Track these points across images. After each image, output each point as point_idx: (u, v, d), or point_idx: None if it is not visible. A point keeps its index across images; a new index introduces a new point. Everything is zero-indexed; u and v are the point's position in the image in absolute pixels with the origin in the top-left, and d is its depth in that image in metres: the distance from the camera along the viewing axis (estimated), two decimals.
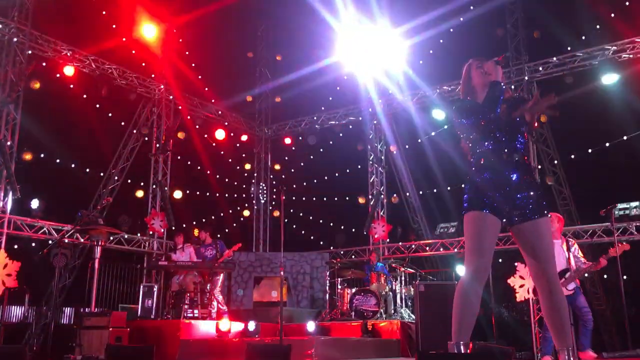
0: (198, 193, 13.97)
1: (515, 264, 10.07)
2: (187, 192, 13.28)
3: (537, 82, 11.80)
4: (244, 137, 14.91)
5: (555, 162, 11.78)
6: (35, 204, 10.37)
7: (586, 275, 6.91)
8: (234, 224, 14.49)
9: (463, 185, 3.40)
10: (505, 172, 3.23)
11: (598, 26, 11.16)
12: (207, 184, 13.90)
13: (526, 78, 11.68)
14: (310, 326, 9.00)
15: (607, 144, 11.36)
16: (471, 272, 3.16)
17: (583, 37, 11.55)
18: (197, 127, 13.27)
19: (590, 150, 11.55)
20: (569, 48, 11.54)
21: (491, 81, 3.34)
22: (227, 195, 14.49)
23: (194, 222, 12.57)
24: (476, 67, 3.45)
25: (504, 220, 3.25)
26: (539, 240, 3.20)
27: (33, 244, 10.52)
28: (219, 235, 10.45)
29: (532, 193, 3.24)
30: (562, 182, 11.79)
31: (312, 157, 15.11)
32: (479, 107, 3.32)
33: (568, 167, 11.78)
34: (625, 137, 11.06)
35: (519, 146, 3.30)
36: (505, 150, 3.25)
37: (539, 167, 11.52)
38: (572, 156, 11.78)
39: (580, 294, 6.61)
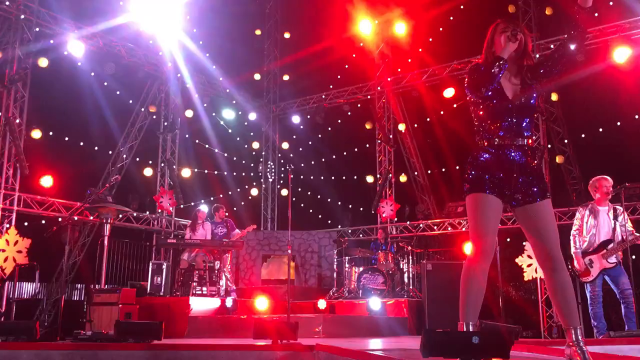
0: (206, 171, 14.00)
1: (524, 243, 10.07)
2: (195, 170, 13.31)
3: None
4: (252, 116, 14.86)
5: (566, 141, 11.67)
6: None
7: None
8: (242, 203, 14.53)
9: (458, 167, 3.35)
10: (508, 153, 3.20)
11: (611, 2, 10.96)
12: (215, 162, 13.91)
13: (537, 55, 11.52)
14: (321, 304, 9.06)
15: (618, 123, 11.24)
16: (476, 252, 3.15)
17: (596, 14, 11.35)
18: (205, 105, 13.22)
19: (601, 130, 11.44)
20: None
21: (495, 56, 3.20)
22: (235, 173, 14.51)
23: (202, 201, 12.61)
24: (501, 30, 3.29)
25: (506, 201, 3.22)
26: (543, 222, 3.17)
27: (43, 221, 10.60)
28: (227, 214, 10.48)
29: (535, 175, 3.20)
30: (572, 162, 11.70)
31: (320, 135, 15.07)
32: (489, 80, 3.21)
33: (578, 146, 11.67)
34: (637, 116, 10.94)
35: (526, 128, 3.24)
36: (510, 132, 3.20)
37: (549, 146, 11.42)
38: (583, 135, 11.68)
39: (623, 273, 6.14)
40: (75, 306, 10.55)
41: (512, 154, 3.20)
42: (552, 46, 11.56)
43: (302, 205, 14.58)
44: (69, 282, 10.96)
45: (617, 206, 6.35)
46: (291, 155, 15.35)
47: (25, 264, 8.94)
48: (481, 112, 3.29)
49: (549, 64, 3.25)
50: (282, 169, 15.51)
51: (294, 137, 15.45)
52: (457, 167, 12.12)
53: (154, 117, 12.74)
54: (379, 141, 13.40)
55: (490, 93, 3.23)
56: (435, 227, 12.46)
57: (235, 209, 13.86)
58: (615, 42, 10.44)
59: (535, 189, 3.19)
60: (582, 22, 3.12)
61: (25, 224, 10.21)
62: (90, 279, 9.16)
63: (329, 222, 14.57)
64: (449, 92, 12.05)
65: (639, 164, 10.11)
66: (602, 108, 10.84)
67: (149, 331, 5.12)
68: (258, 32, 15.52)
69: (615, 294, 6.30)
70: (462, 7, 12.28)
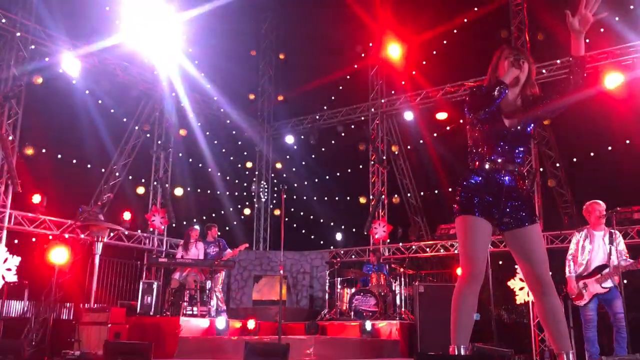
0: (199, 190, 13.97)
1: (516, 266, 10.06)
2: (188, 189, 13.28)
3: (541, 84, 11.77)
4: (246, 135, 14.90)
5: (557, 164, 11.74)
6: None
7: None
8: (235, 222, 14.49)
9: (450, 189, 3.36)
10: (498, 177, 3.21)
11: (602, 29, 11.12)
12: (208, 181, 13.90)
13: None
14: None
15: (610, 148, 11.34)
16: (466, 274, 3.15)
17: (587, 40, 11.50)
18: (199, 124, 13.25)
19: (592, 154, 11.52)
20: None
21: (498, 80, 3.22)
22: (228, 193, 14.49)
23: (194, 220, 12.57)
24: (506, 56, 3.31)
25: (495, 224, 3.23)
26: (532, 246, 3.19)
27: (33, 239, 10.52)
28: (219, 233, 10.44)
29: (523, 200, 3.22)
30: (564, 185, 11.77)
31: (313, 156, 15.10)
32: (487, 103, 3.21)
33: (570, 170, 11.75)
34: (628, 141, 11.03)
35: (519, 155, 3.25)
36: (502, 158, 3.22)
37: (541, 169, 11.49)
38: (575, 159, 11.76)
39: (617, 297, 6.07)
40: (64, 325, 10.42)
41: (502, 178, 3.21)
42: (544, 71, 11.69)
43: (294, 225, 14.56)
44: (58, 301, 10.84)
45: (612, 230, 6.35)
46: (284, 175, 15.38)
47: (15, 282, 8.86)
48: (477, 134, 3.30)
49: (550, 98, 3.28)
50: (276, 188, 15.50)
51: (288, 157, 15.49)
52: (450, 190, 12.17)
53: (148, 135, 12.73)
54: (373, 162, 13.44)
55: (487, 116, 3.24)
56: (427, 249, 12.45)
57: (227, 228, 13.82)
58: (606, 68, 10.57)
59: (523, 214, 3.20)
60: (582, 60, 3.21)
61: (16, 241, 10.12)
62: (79, 297, 9.07)
63: (322, 242, 14.54)
64: (441, 115, 12.14)
65: (630, 188, 10.17)
66: (593, 133, 10.94)
67: (138, 352, 5.06)
68: (253, 52, 15.65)
69: (607, 318, 6.29)
70: (455, 31, 12.44)
